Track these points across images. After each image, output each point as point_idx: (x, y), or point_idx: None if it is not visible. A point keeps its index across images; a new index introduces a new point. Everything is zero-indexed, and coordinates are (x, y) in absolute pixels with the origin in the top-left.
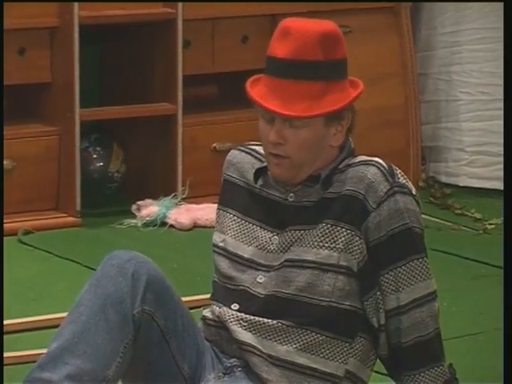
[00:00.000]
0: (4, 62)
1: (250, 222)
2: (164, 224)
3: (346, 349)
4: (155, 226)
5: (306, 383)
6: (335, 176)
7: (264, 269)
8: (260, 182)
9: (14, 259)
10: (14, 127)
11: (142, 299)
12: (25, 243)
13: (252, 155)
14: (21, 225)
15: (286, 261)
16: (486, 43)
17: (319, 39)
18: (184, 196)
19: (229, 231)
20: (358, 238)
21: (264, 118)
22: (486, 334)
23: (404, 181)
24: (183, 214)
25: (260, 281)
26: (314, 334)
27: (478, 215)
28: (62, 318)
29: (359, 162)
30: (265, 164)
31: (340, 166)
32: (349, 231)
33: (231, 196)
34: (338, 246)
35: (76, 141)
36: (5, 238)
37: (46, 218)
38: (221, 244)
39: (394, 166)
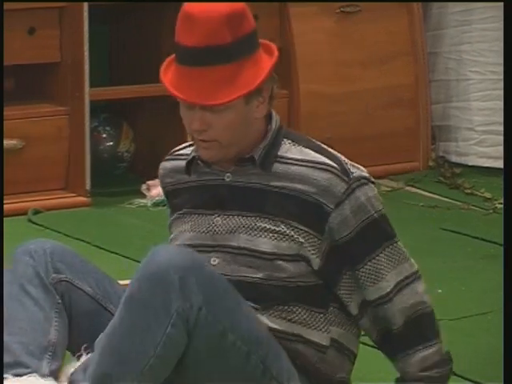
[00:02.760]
0: (13, 42)
1: (192, 213)
2: None
3: (322, 319)
4: (165, 205)
5: (293, 348)
6: (278, 164)
7: (214, 249)
8: (193, 173)
9: (24, 239)
10: (23, 107)
11: (54, 269)
12: (34, 223)
13: (179, 159)
14: (30, 204)
15: (243, 249)
16: (496, 22)
17: (225, 21)
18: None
19: (175, 229)
20: (316, 240)
21: (183, 104)
22: (495, 314)
23: (357, 172)
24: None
25: (214, 263)
26: (286, 307)
27: (487, 194)
28: None
29: (308, 161)
30: (191, 155)
31: (279, 153)
32: (307, 233)
33: (175, 201)
34: (297, 240)
35: (85, 120)
36: (15, 218)
37: (56, 198)
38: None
39: (342, 159)
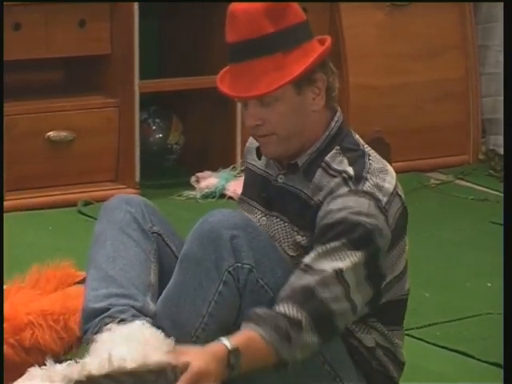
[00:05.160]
0: (64, 34)
1: (246, 203)
2: (223, 196)
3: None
4: (214, 197)
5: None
6: (321, 171)
7: None
8: (263, 159)
9: (74, 230)
10: (73, 99)
11: (150, 219)
12: (84, 214)
13: None
14: (80, 196)
15: None
16: None
17: (263, 13)
18: (243, 168)
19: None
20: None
21: (241, 104)
22: None
23: (370, 189)
24: (242, 185)
25: None
26: None
27: None
28: None
29: (333, 170)
30: None
31: (327, 158)
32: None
33: (244, 180)
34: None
35: (135, 112)
36: (65, 209)
37: (106, 190)
38: None
39: (366, 175)
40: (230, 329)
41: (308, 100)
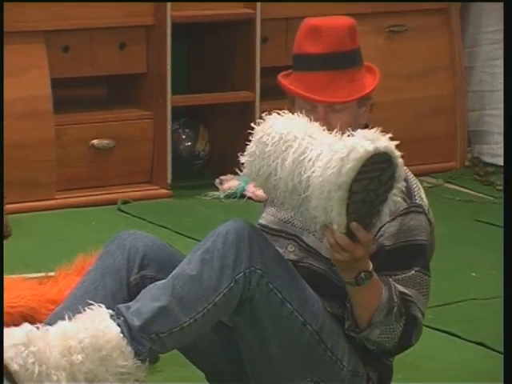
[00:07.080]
0: (107, 55)
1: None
2: (243, 196)
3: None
4: (235, 197)
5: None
6: None
7: (292, 238)
8: None
9: (114, 225)
10: (114, 111)
11: (140, 267)
12: (123, 211)
13: None
14: (120, 195)
15: (310, 247)
16: None
17: (348, 31)
18: None
19: (265, 209)
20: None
21: (303, 109)
22: None
23: (420, 202)
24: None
25: (291, 250)
26: (339, 302)
27: None
28: None
29: None
30: None
31: None
32: None
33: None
34: None
35: (168, 123)
36: (106, 207)
37: (142, 190)
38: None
39: (413, 187)
40: (221, 323)
41: (361, 113)
